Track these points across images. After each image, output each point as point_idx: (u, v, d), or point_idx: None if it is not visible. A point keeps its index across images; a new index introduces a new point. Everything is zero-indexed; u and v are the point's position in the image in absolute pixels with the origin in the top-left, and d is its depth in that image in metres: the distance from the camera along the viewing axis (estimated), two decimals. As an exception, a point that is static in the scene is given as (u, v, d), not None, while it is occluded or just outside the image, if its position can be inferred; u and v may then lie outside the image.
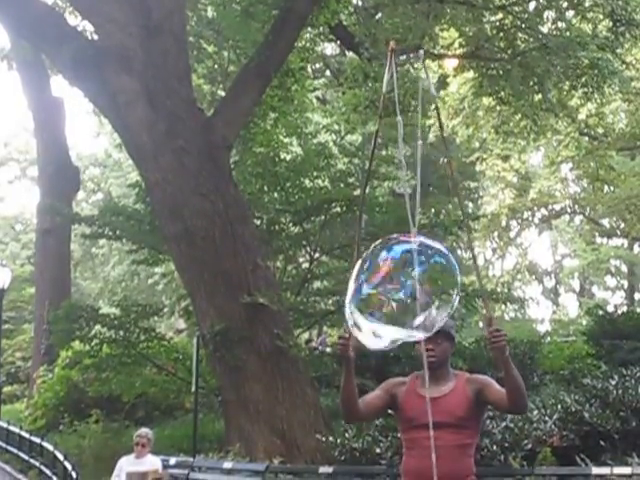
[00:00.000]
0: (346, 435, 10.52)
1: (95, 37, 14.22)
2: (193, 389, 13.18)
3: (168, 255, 15.70)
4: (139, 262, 20.43)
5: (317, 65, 28.00)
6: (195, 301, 13.17)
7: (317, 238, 17.53)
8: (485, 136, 26.24)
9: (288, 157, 19.35)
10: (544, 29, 16.93)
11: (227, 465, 11.16)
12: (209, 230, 12.49)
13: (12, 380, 29.30)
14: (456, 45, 18.57)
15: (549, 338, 20.33)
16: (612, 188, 30.46)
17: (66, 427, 18.07)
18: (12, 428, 17.81)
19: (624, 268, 38.97)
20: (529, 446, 9.46)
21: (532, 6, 17.38)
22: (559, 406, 10.15)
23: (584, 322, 24.79)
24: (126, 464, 8.16)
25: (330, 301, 18.82)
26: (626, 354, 13.76)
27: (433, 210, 27.05)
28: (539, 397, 11.57)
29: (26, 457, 16.13)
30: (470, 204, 34.22)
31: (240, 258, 12.55)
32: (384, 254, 3.87)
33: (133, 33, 12.98)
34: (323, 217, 17.06)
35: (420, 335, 3.77)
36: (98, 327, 16.16)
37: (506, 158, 28.95)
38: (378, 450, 9.93)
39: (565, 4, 17.40)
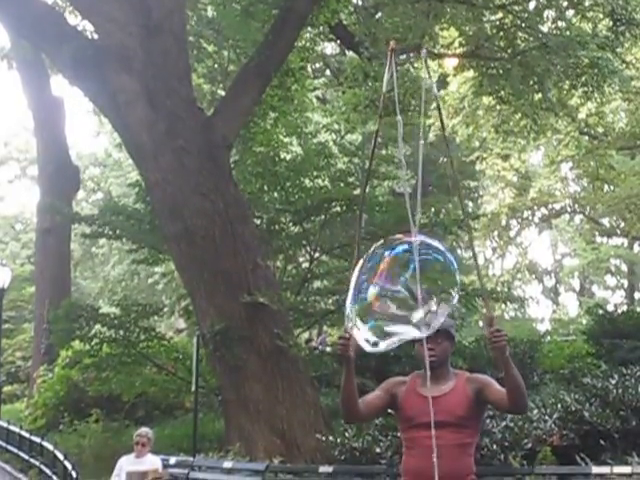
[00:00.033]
0: (346, 434, 10.53)
1: (95, 36, 14.21)
2: (193, 388, 13.18)
3: (168, 254, 15.70)
4: (139, 261, 20.44)
5: (317, 64, 28.00)
6: (195, 300, 13.17)
7: (317, 237, 17.52)
8: (485, 135, 26.22)
9: (288, 156, 19.35)
10: (544, 28, 16.92)
11: (227, 464, 11.17)
12: (209, 229, 12.49)
13: (12, 380, 29.29)
14: (456, 44, 18.56)
15: (549, 337, 20.34)
16: (612, 187, 30.45)
17: (66, 427, 18.08)
18: (12, 428, 17.80)
19: (624, 267, 38.98)
20: (529, 445, 9.47)
21: (532, 5, 17.37)
22: (559, 405, 10.16)
23: (584, 321, 24.81)
24: (126, 463, 8.16)
25: (330, 300, 18.83)
26: (626, 353, 13.76)
27: (433, 209, 27.02)
28: (539, 396, 11.57)
29: (26, 457, 16.12)
30: (470, 203, 34.22)
31: (240, 257, 12.55)
32: (385, 254, 3.87)
33: (133, 32, 12.98)
34: (323, 216, 17.06)
35: (420, 333, 3.76)
36: (98, 326, 16.16)
37: (506, 157, 28.95)
38: (378, 449, 9.95)
39: (565, 3, 17.40)
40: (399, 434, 4.25)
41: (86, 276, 44.20)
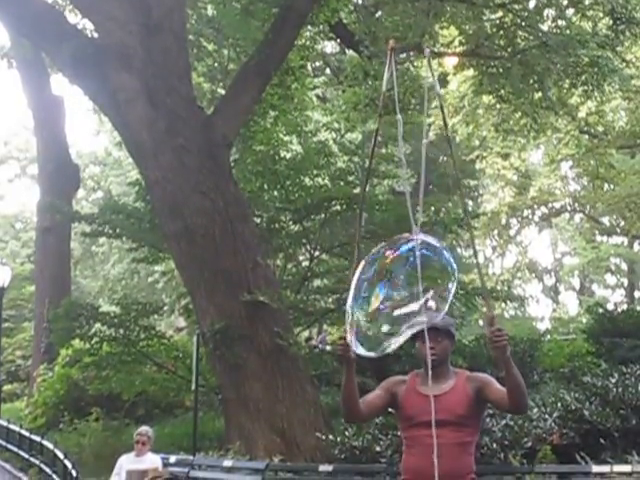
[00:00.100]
0: (346, 433, 10.54)
1: (95, 35, 14.21)
2: (193, 387, 13.18)
3: (168, 253, 15.70)
4: (139, 260, 20.45)
5: (317, 63, 28.00)
6: (195, 299, 13.17)
7: (317, 236, 17.52)
8: (485, 134, 26.22)
9: (288, 155, 19.34)
10: (544, 27, 16.90)
11: (227, 463, 11.17)
12: (209, 228, 12.49)
13: (12, 378, 29.30)
14: (456, 43, 18.55)
15: (549, 336, 20.33)
16: (612, 186, 30.42)
17: (66, 425, 18.09)
18: (12, 426, 17.79)
19: (624, 266, 38.97)
20: (529, 444, 9.48)
21: (532, 4, 17.36)
22: (559, 404, 10.16)
23: (584, 320, 24.81)
24: (126, 462, 8.17)
25: (330, 299, 18.83)
26: (626, 352, 13.75)
27: (433, 208, 27.02)
28: (539, 395, 11.57)
29: (26, 455, 16.12)
30: (470, 202, 34.21)
31: (240, 256, 12.55)
32: (385, 255, 3.88)
33: (133, 31, 12.98)
34: (323, 215, 17.06)
35: (420, 327, 3.77)
36: (98, 325, 16.17)
37: (506, 156, 28.95)
38: (378, 448, 9.95)
39: (565, 2, 17.38)
40: (399, 433, 4.25)
41: (86, 275, 44.20)
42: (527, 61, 16.29)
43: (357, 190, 18.42)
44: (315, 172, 18.23)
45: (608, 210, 31.32)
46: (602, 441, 9.40)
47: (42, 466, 14.66)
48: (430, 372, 3.80)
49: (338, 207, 16.74)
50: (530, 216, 36.23)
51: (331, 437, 10.84)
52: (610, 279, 42.37)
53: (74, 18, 17.48)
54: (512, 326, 26.21)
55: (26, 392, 25.48)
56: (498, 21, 17.28)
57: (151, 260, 19.76)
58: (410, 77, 16.22)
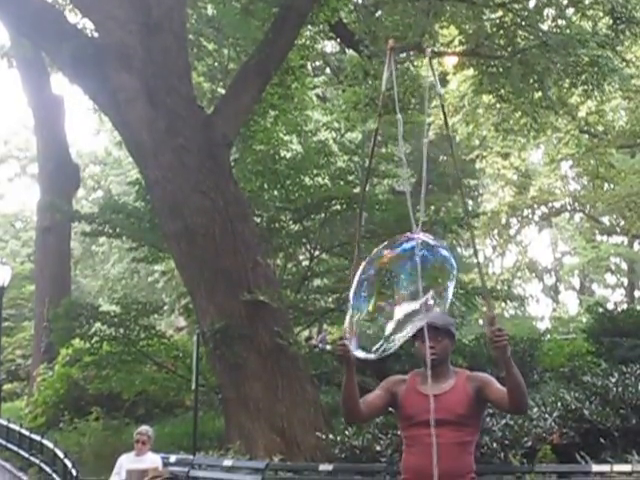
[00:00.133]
0: (346, 433, 10.54)
1: (95, 34, 14.20)
2: (193, 387, 13.18)
3: (168, 253, 15.70)
4: (139, 260, 20.46)
5: (317, 63, 27.97)
6: (195, 299, 13.17)
7: (317, 236, 17.53)
8: (485, 134, 26.21)
9: (288, 155, 19.35)
10: (544, 27, 16.89)
11: (227, 463, 11.17)
12: (209, 228, 12.48)
13: (12, 378, 29.30)
14: (456, 42, 18.54)
15: (549, 335, 20.34)
16: (612, 186, 30.42)
17: (66, 425, 18.08)
18: (12, 426, 17.80)
19: (624, 266, 38.98)
20: (529, 444, 9.48)
21: (532, 3, 17.35)
22: (559, 404, 10.17)
23: (584, 320, 24.80)
24: (126, 462, 8.17)
25: (330, 299, 18.83)
26: (626, 351, 13.75)
27: (433, 208, 27.03)
28: (539, 395, 11.57)
29: (26, 455, 16.12)
30: (470, 202, 34.19)
31: (240, 256, 12.54)
32: (385, 255, 3.88)
33: (133, 31, 12.97)
34: (323, 215, 17.06)
35: (420, 324, 3.78)
36: (98, 325, 16.18)
37: (506, 156, 28.94)
38: (378, 448, 9.95)
39: (565, 2, 17.37)
40: (399, 432, 4.25)
41: (86, 274, 44.21)
42: (527, 61, 16.27)
43: (357, 189, 18.42)
44: (315, 172, 18.24)
45: (608, 209, 31.33)
46: (602, 440, 9.40)
47: (42, 465, 14.67)
48: (430, 371, 3.80)
49: (338, 207, 16.74)
50: (530, 216, 36.22)
51: (331, 436, 10.84)
52: (610, 278, 42.45)
53: (74, 17, 17.47)
54: (512, 326, 26.21)
55: (26, 391, 25.49)
56: (498, 20, 17.28)
57: (151, 260, 19.77)
58: (410, 77, 16.21)
